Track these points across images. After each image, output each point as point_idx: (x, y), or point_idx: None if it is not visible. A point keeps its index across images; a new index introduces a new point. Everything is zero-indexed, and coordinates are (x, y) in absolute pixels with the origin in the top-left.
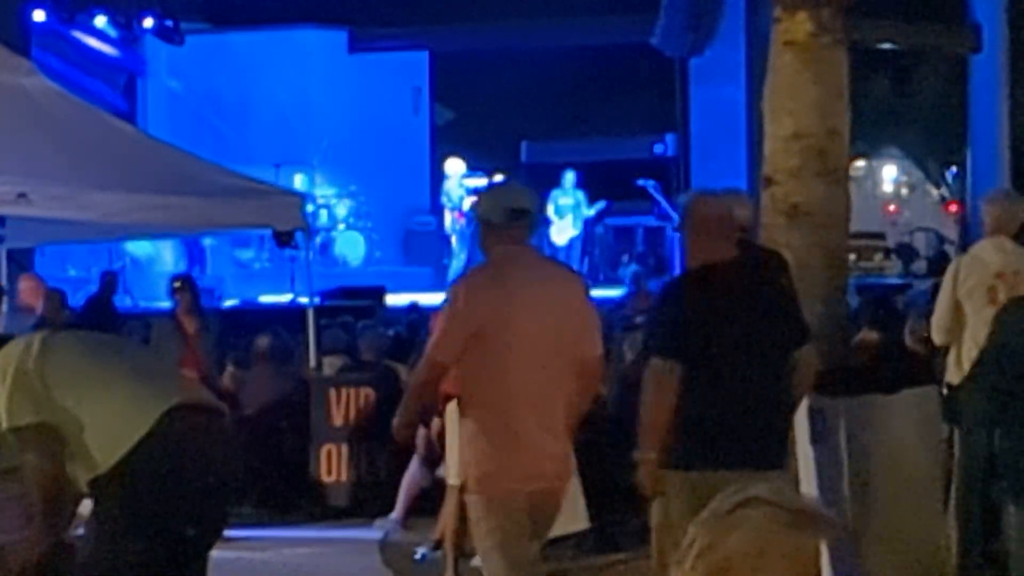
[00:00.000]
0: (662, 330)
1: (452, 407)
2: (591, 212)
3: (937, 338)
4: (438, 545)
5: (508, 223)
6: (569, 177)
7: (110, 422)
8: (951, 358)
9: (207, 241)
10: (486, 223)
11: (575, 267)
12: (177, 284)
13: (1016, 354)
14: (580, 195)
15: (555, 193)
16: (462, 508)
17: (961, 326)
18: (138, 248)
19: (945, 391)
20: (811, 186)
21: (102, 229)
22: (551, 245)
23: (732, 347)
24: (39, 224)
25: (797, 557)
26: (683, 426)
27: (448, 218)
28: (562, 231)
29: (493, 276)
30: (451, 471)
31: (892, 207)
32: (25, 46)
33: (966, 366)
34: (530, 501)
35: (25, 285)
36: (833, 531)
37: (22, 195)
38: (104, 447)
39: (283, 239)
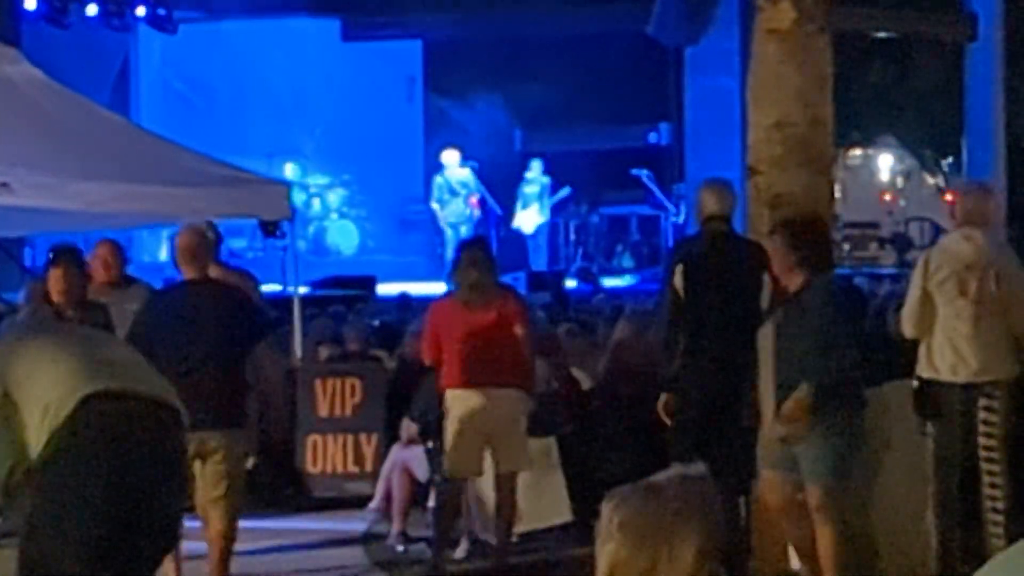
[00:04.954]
0: None
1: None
2: (553, 200)
3: (907, 331)
4: (407, 537)
5: None
6: (536, 165)
7: (34, 410)
8: (922, 351)
9: None
10: None
11: (543, 255)
12: None
13: None
14: (546, 182)
15: (522, 182)
16: (449, 501)
17: (932, 318)
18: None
19: (915, 384)
20: (794, 176)
21: (87, 219)
22: (519, 234)
23: None
24: (25, 213)
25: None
26: None
27: (453, 205)
28: (529, 219)
29: None
30: (448, 463)
31: (888, 196)
32: (16, 35)
33: (936, 359)
34: None
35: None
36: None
37: (4, 184)
38: (32, 436)
39: (269, 229)
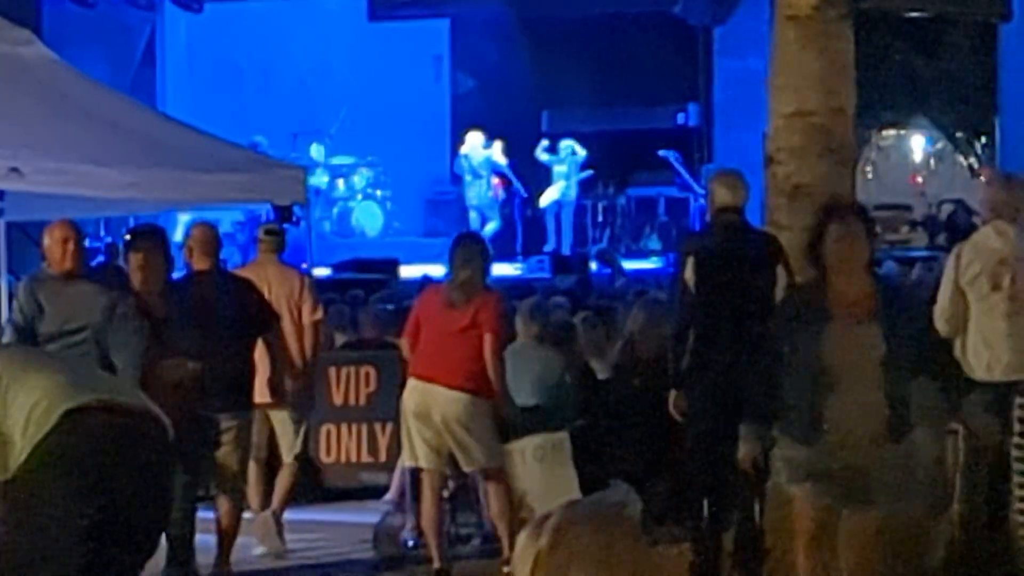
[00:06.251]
0: None
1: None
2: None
3: (941, 328)
4: (422, 532)
5: None
6: (565, 144)
7: (17, 420)
8: (956, 347)
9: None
10: None
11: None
12: None
13: None
14: (580, 159)
15: (551, 160)
16: (438, 491)
17: (964, 315)
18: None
19: (948, 382)
20: (814, 165)
21: (100, 204)
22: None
23: None
24: (36, 198)
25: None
26: None
27: (476, 188)
28: (548, 196)
29: None
30: (405, 453)
31: (920, 178)
32: (36, 14)
33: (971, 356)
34: None
35: None
36: None
37: (14, 169)
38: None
39: (283, 214)
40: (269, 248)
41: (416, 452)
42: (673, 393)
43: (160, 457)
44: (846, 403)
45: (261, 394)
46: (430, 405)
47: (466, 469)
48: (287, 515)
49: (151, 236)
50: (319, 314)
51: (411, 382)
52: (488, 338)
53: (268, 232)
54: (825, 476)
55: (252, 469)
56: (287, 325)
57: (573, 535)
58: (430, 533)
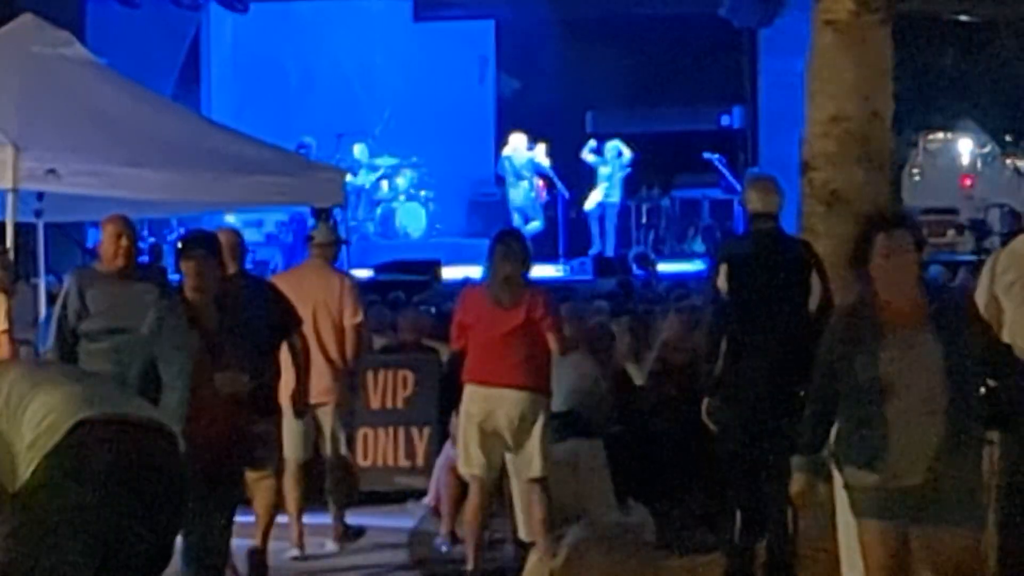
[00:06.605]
0: None
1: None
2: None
3: None
4: (455, 537)
5: None
6: (611, 146)
7: (27, 432)
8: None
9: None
10: None
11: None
12: None
13: None
14: (626, 160)
15: (597, 162)
16: (488, 499)
17: (999, 321)
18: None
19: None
20: (851, 172)
21: (140, 205)
22: (587, 217)
23: None
24: (73, 199)
25: None
26: None
27: (519, 189)
28: (593, 198)
29: None
30: (460, 460)
31: (968, 181)
32: (80, 16)
33: None
34: None
35: None
36: None
37: (51, 171)
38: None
39: (321, 217)
40: (320, 255)
41: (472, 460)
42: (706, 400)
43: (171, 470)
44: (909, 420)
45: (313, 394)
46: (495, 409)
47: (524, 477)
48: (322, 519)
49: (204, 243)
50: (359, 317)
51: (471, 389)
52: (551, 335)
53: (323, 244)
54: (896, 499)
55: (291, 471)
56: (328, 328)
57: (588, 555)
58: (471, 538)
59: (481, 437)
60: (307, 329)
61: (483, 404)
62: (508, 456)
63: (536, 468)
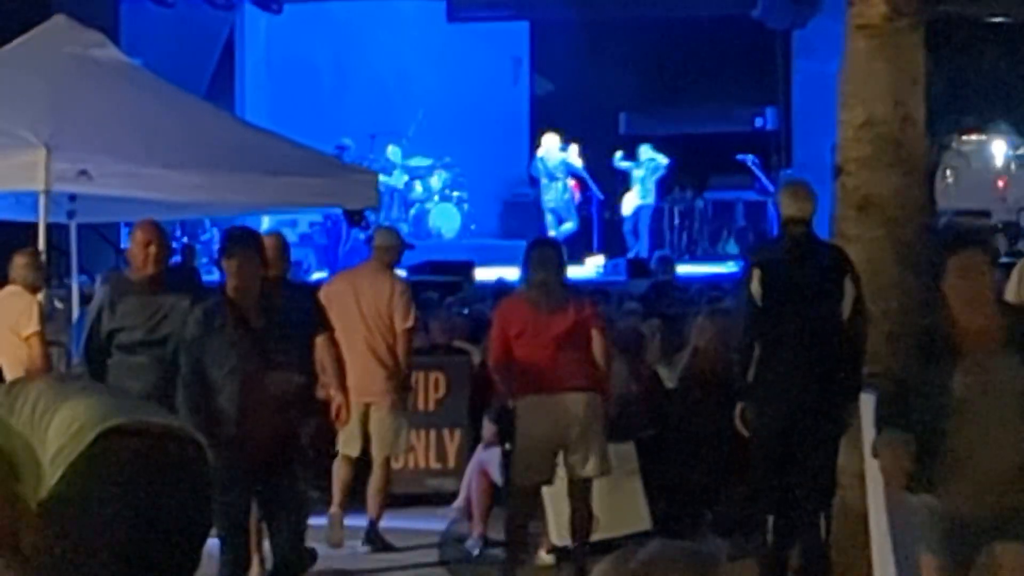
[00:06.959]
0: None
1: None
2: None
3: None
4: (487, 541)
5: None
6: (644, 149)
7: (52, 441)
8: None
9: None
10: None
11: (645, 240)
12: None
13: None
14: (660, 162)
15: (630, 165)
16: (520, 509)
17: None
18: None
19: None
20: (884, 177)
21: (172, 207)
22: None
23: None
24: (106, 200)
25: None
26: None
27: (552, 190)
28: (629, 201)
29: None
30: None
31: (1001, 183)
32: (114, 16)
33: None
34: None
35: None
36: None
37: (83, 172)
38: (45, 468)
39: (354, 218)
40: (378, 258)
41: (530, 469)
42: (739, 405)
43: (198, 478)
44: (989, 442)
45: (360, 392)
46: (557, 415)
47: (577, 475)
48: (353, 521)
49: (247, 241)
50: (410, 322)
51: (528, 400)
52: (597, 336)
53: (381, 247)
54: (968, 523)
55: (340, 466)
56: (379, 331)
57: (665, 570)
58: (515, 541)
59: (541, 449)
60: (360, 331)
61: (539, 414)
62: (562, 455)
63: (592, 467)
